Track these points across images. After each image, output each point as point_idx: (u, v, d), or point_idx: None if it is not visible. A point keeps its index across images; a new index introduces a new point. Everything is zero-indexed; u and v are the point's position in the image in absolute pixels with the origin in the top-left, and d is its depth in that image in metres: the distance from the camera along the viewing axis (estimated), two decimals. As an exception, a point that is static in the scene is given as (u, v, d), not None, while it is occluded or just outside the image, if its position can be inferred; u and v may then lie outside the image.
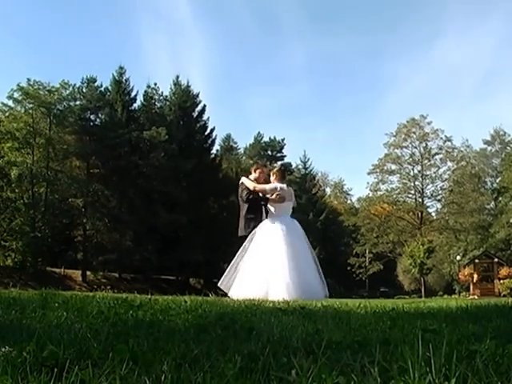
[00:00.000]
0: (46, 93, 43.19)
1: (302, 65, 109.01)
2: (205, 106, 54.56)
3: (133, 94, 50.73)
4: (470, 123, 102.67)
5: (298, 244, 7.81)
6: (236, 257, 7.82)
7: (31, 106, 43.04)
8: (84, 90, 47.98)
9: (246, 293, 6.87)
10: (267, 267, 7.47)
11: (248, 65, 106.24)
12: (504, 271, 37.58)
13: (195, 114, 54.12)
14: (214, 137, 55.52)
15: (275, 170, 8.67)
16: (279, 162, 65.80)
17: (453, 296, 45.16)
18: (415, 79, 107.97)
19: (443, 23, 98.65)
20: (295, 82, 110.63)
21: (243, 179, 8.47)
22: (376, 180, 61.20)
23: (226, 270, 7.98)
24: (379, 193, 61.30)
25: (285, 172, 8.91)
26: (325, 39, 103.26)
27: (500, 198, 61.33)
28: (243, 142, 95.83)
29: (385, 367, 1.48)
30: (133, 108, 50.81)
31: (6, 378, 1.26)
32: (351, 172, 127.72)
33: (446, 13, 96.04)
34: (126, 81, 50.27)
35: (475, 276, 38.66)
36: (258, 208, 8.25)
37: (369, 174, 61.35)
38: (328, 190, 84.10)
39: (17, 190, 42.37)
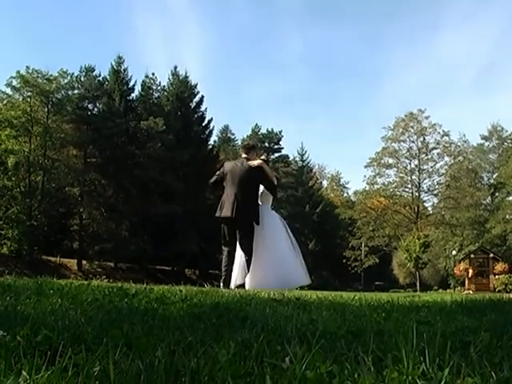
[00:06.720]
0: (45, 81, 42.95)
1: (299, 54, 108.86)
2: (202, 96, 54.52)
3: (131, 84, 50.59)
4: (467, 118, 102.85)
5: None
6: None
7: (29, 94, 42.82)
8: (82, 79, 47.76)
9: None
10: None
11: (245, 54, 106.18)
12: (499, 267, 37.67)
13: (193, 105, 53.98)
14: (211, 128, 55.55)
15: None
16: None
17: (448, 291, 45.35)
18: (414, 70, 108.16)
19: (443, 13, 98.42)
20: (293, 72, 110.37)
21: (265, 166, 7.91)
22: (373, 173, 61.21)
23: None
24: (376, 186, 61.30)
25: None
26: (323, 28, 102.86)
27: (496, 194, 61.56)
28: (241, 133, 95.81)
29: (379, 356, 1.49)
30: (131, 98, 50.60)
31: (-1, 361, 1.26)
32: (348, 165, 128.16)
33: (446, 3, 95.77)
34: (124, 70, 50.05)
35: (470, 271, 38.73)
36: None
37: (366, 167, 61.36)
38: (325, 183, 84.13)
39: (13, 179, 42.22)
